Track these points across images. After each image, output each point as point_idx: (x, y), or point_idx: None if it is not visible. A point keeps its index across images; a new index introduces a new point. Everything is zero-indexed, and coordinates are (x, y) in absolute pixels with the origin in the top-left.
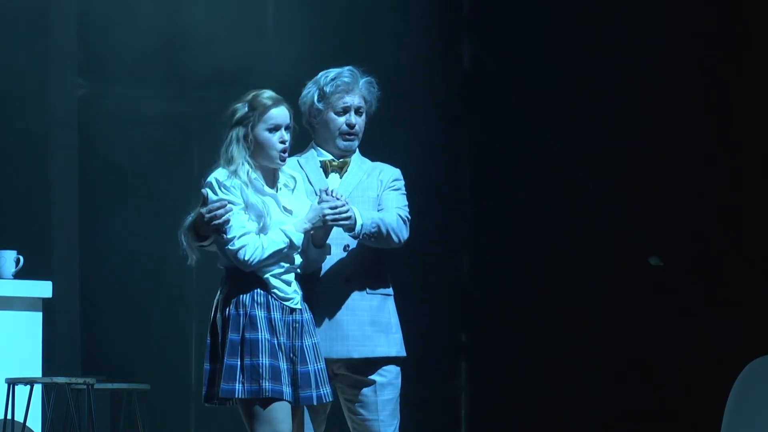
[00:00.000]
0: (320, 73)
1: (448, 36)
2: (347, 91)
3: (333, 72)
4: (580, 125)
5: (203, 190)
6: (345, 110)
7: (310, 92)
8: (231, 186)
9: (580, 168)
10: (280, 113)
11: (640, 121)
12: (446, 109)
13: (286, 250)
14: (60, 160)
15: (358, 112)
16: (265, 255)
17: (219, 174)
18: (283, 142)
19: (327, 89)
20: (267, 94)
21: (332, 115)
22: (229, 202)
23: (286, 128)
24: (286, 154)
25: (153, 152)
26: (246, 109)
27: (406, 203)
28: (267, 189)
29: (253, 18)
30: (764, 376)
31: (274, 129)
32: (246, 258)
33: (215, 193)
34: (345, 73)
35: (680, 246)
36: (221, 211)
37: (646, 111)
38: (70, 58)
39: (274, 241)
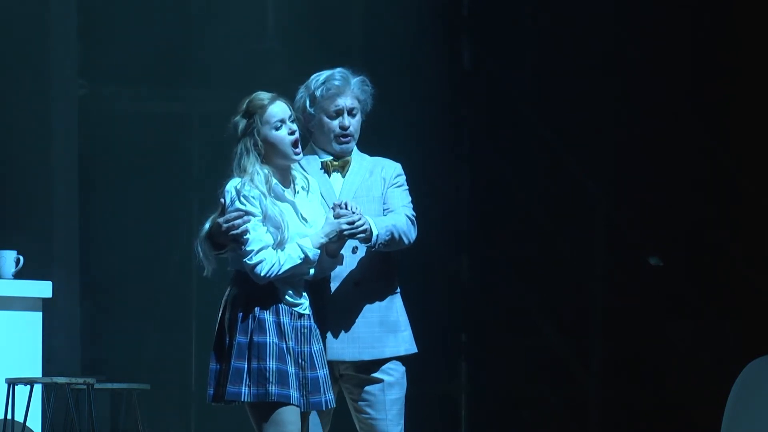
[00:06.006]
0: (312, 77)
1: (448, 36)
2: (338, 94)
3: (323, 75)
4: (580, 125)
5: (221, 199)
6: (338, 113)
7: (302, 98)
8: (250, 196)
9: (580, 168)
10: (280, 108)
11: (641, 121)
12: (446, 109)
13: (301, 265)
14: (60, 160)
15: (351, 113)
16: (281, 271)
17: (237, 182)
18: (292, 133)
19: (318, 93)
20: (260, 96)
21: (325, 119)
22: (247, 213)
23: (291, 120)
24: (299, 148)
25: (153, 152)
26: (245, 119)
27: (410, 199)
28: (287, 195)
29: (253, 18)
30: (764, 376)
31: (280, 124)
32: (263, 274)
33: (233, 203)
34: (335, 75)
35: (680, 246)
36: (239, 221)
37: (647, 111)
38: (70, 58)
39: (291, 257)
